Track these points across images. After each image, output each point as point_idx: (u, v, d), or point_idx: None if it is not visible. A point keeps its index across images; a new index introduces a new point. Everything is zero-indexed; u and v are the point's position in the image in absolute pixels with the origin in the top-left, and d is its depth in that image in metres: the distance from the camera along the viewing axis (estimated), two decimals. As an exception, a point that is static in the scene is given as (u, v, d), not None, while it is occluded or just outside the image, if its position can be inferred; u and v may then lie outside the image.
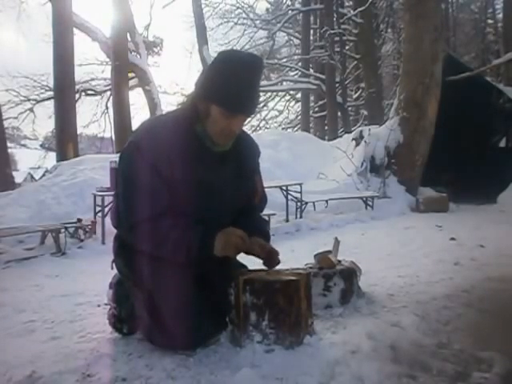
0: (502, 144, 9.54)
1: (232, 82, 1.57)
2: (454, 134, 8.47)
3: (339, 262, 2.28)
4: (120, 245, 1.80)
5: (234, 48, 20.18)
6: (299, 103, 20.93)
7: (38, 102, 17.11)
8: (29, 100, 17.02)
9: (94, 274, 3.37)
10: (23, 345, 1.92)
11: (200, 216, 1.65)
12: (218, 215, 1.68)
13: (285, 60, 21.39)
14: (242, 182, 1.78)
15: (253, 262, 1.86)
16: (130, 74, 13.31)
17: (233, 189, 1.74)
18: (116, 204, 1.81)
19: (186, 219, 1.64)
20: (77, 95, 13.81)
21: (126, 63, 12.09)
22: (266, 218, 5.00)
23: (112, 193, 4.43)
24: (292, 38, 21.71)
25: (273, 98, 20.99)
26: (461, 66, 9.19)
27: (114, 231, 1.87)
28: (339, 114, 16.75)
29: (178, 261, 1.63)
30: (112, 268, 1.87)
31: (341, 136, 12.43)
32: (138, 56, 14.15)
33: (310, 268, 2.20)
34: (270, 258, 1.75)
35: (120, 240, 1.80)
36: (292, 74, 20.45)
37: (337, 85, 16.55)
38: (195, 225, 1.63)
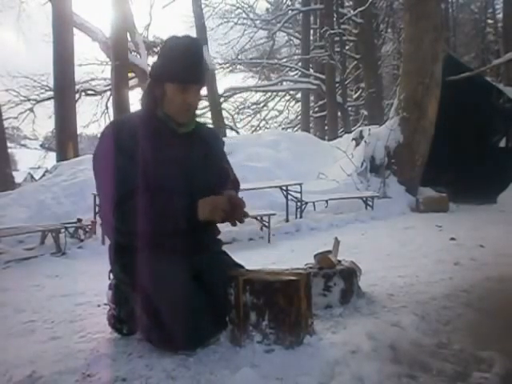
0: (502, 144, 9.54)
1: (176, 56, 1.74)
2: (454, 134, 8.47)
3: (339, 261, 2.27)
4: (116, 250, 1.80)
5: (234, 48, 20.23)
6: (299, 103, 20.92)
7: (38, 102, 17.10)
8: (29, 100, 17.02)
9: (94, 274, 3.37)
10: (23, 345, 1.93)
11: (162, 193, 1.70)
12: (189, 194, 1.71)
13: (285, 60, 21.39)
14: (210, 162, 1.85)
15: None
16: (130, 74, 13.30)
17: (201, 168, 1.80)
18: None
19: (163, 192, 1.70)
20: (77, 95, 13.81)
21: (126, 63, 12.07)
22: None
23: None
24: (292, 37, 21.71)
25: (273, 98, 21.00)
26: (461, 66, 9.19)
27: (114, 231, 1.88)
28: (339, 114, 16.75)
29: (165, 232, 1.68)
30: (109, 278, 1.90)
31: (341, 136, 12.43)
32: (138, 56, 14.14)
33: (310, 268, 2.20)
34: (234, 210, 1.74)
35: (115, 245, 1.81)
36: (292, 74, 20.46)
37: (337, 85, 16.55)
38: (174, 194, 1.70)
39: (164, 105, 1.78)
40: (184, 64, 1.73)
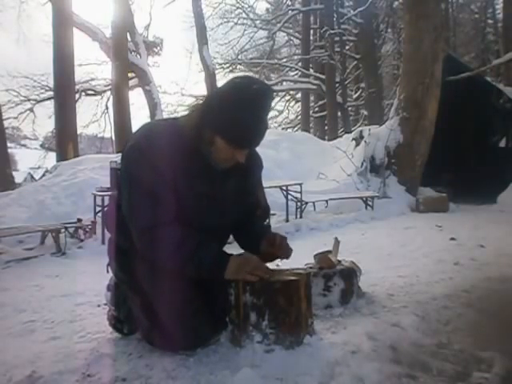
0: (502, 144, 9.54)
1: (240, 118, 1.51)
2: (454, 134, 8.47)
3: (339, 261, 2.27)
4: (115, 249, 1.78)
5: (234, 48, 20.24)
6: (299, 103, 20.95)
7: (38, 102, 17.13)
8: (29, 100, 17.05)
9: (94, 274, 3.36)
10: (23, 345, 1.93)
11: (199, 227, 1.62)
12: (217, 228, 1.68)
13: (285, 60, 21.43)
14: (244, 196, 1.76)
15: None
16: (130, 74, 13.32)
17: (234, 203, 1.72)
18: (112, 207, 1.81)
19: (199, 232, 1.60)
20: (77, 95, 13.83)
21: (126, 63, 12.09)
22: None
23: (112, 193, 4.43)
24: (292, 38, 21.73)
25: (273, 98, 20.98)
26: (461, 66, 9.19)
27: (114, 231, 1.87)
28: (339, 114, 16.76)
29: (185, 274, 1.60)
30: (108, 271, 1.87)
31: (341, 136, 12.45)
32: (138, 56, 14.15)
33: (310, 268, 2.20)
34: (282, 248, 1.73)
35: (115, 244, 1.79)
36: (292, 74, 20.50)
37: (337, 85, 16.56)
38: (208, 242, 1.60)
39: (209, 148, 1.59)
40: (247, 130, 1.54)
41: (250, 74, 20.34)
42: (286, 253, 1.74)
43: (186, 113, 1.73)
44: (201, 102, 1.70)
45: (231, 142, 1.56)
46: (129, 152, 1.63)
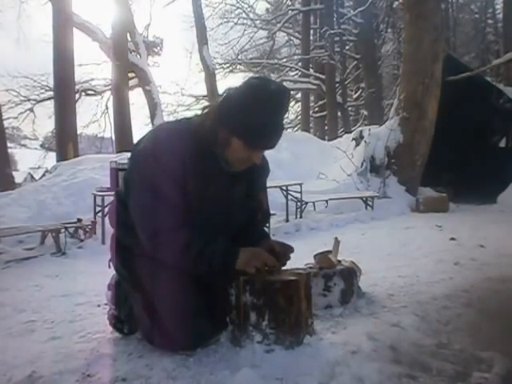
0: (502, 144, 9.55)
1: (257, 118, 1.51)
2: (454, 134, 8.48)
3: (339, 261, 2.27)
4: (117, 245, 1.78)
5: (234, 48, 20.23)
6: (299, 103, 20.93)
7: (38, 102, 17.15)
8: (29, 100, 17.06)
9: (94, 274, 3.36)
10: (23, 345, 1.92)
11: (202, 228, 1.62)
12: (219, 230, 1.68)
13: (285, 60, 21.43)
14: (248, 201, 1.77)
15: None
16: (130, 74, 13.33)
17: (238, 207, 1.73)
18: (116, 205, 1.81)
19: (207, 231, 1.61)
20: (77, 95, 13.84)
21: (126, 63, 12.11)
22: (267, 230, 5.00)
23: (112, 193, 4.43)
24: (292, 38, 21.73)
25: (273, 98, 20.93)
26: (461, 66, 9.20)
27: (115, 231, 1.87)
28: (339, 114, 16.75)
29: (198, 272, 1.61)
30: (109, 267, 1.86)
31: (341, 136, 12.44)
32: (138, 56, 14.16)
33: (310, 268, 2.20)
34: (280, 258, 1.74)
35: (117, 240, 1.79)
36: (292, 74, 20.49)
37: (337, 85, 16.56)
38: (217, 237, 1.61)
39: (224, 149, 1.60)
40: (264, 131, 1.54)
41: (250, 74, 20.37)
42: (282, 263, 1.75)
43: (200, 113, 1.72)
44: (215, 102, 1.70)
45: (248, 143, 1.56)
46: (138, 155, 1.64)
